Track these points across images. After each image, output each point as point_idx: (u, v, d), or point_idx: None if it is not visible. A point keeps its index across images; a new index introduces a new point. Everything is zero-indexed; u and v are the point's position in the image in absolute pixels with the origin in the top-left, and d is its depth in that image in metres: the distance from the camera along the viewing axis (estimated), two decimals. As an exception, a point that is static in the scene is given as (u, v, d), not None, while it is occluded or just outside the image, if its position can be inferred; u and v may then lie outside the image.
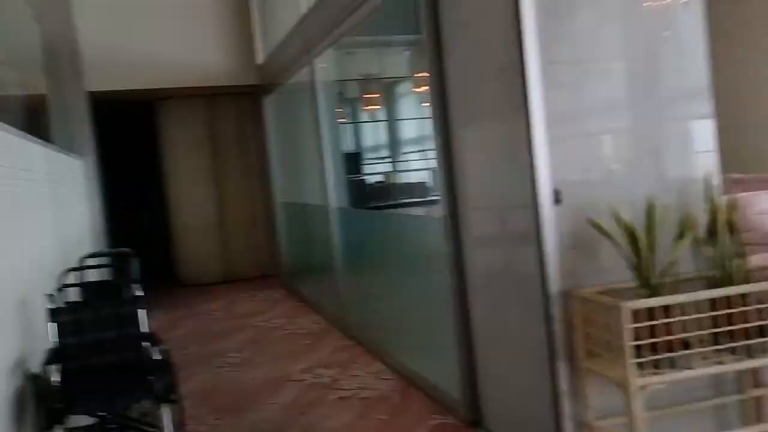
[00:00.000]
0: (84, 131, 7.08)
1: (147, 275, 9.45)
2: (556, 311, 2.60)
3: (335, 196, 5.89)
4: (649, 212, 2.52)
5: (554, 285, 2.60)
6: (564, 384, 2.57)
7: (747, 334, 2.39)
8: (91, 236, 6.63)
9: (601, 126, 2.73)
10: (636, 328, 2.28)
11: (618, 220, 2.50)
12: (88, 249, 5.73)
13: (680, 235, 2.51)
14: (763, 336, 2.39)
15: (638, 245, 2.45)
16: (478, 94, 3.02)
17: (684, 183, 2.75)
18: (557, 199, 2.61)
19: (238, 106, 8.99)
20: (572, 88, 2.66)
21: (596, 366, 2.46)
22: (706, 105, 2.76)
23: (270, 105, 8.29)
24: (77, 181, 6.14)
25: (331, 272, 5.87)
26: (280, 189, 8.27)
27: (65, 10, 6.97)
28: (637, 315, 2.30)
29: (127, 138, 9.97)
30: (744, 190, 6.79)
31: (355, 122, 10.08)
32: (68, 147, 6.27)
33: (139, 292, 3.08)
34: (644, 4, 2.76)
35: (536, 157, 2.58)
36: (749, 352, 2.38)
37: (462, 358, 3.32)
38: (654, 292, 2.43)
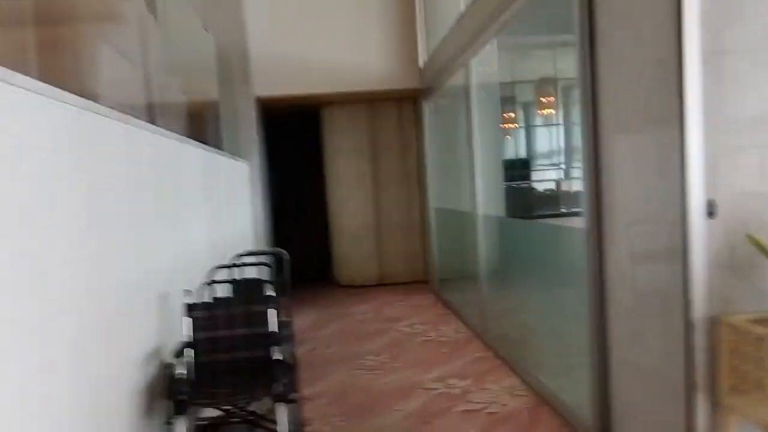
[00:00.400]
0: (251, 135, 7.63)
1: (306, 275, 9.94)
2: (700, 338, 2.33)
3: (485, 203, 5.79)
4: (820, 230, 2.18)
5: (700, 309, 2.34)
6: (702, 421, 2.30)
7: None
8: (254, 235, 7.14)
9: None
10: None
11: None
12: (249, 247, 6.17)
13: None
14: None
15: (802, 268, 2.13)
16: (630, 94, 2.79)
17: None
18: (710, 211, 2.34)
19: (399, 110, 9.18)
20: (744, 82, 2.37)
21: (741, 404, 2.16)
22: None
23: (429, 109, 8.38)
24: (240, 183, 6.63)
25: (476, 281, 5.79)
26: (435, 195, 8.32)
27: (239, 19, 7.57)
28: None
29: (295, 143, 10.61)
30: None
31: (525, 127, 9.83)
32: (235, 150, 6.80)
33: (271, 292, 3.21)
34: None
35: (687, 163, 2.34)
36: None
37: (596, 380, 3.10)
38: (820, 324, 2.10)
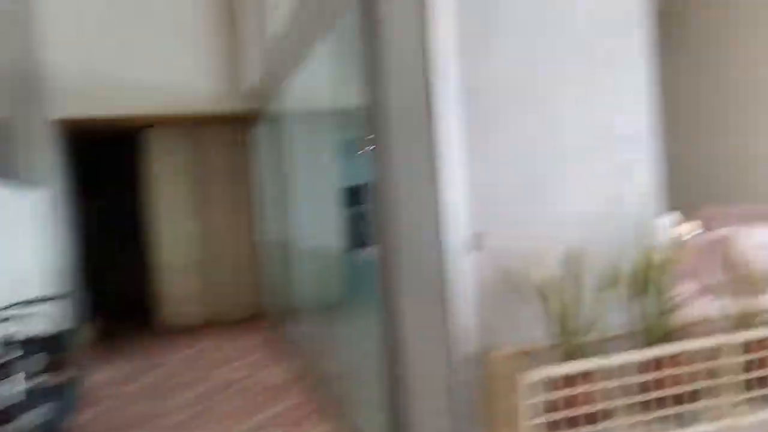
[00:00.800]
0: (47, 161, 7.13)
1: (123, 317, 9.42)
2: (466, 374, 2.40)
3: (316, 234, 5.78)
4: (572, 260, 2.32)
5: (465, 343, 2.40)
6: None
7: (679, 399, 2.19)
8: (47, 278, 6.63)
9: (531, 162, 2.51)
10: (540, 397, 2.07)
11: (534, 269, 2.31)
12: (40, 293, 5.71)
13: (606, 287, 2.30)
14: (696, 401, 2.18)
15: (554, 299, 2.24)
16: (407, 121, 2.84)
17: (626, 227, 2.55)
18: (477, 244, 2.42)
19: (232, 134, 9.02)
20: (498, 115, 2.48)
21: (502, 442, 2.23)
22: (650, 143, 2.63)
23: (260, 134, 8.27)
24: (28, 217, 6.16)
25: (303, 318, 5.74)
26: (267, 225, 8.21)
27: (25, 28, 7.09)
28: (546, 382, 2.09)
29: (114, 169, 10.10)
30: (724, 224, 6.52)
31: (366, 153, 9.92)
32: (25, 179, 6.31)
33: (16, 354, 2.93)
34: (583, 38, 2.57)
35: (445, 197, 2.41)
36: (681, 420, 2.18)
37: (394, 422, 3.11)
38: (572, 353, 2.22)
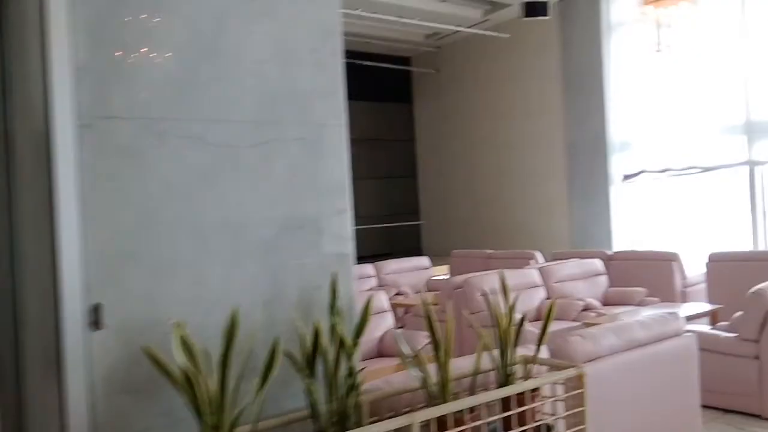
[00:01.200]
0: None
1: None
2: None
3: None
4: (229, 331, 1.87)
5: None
6: None
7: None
8: None
9: (171, 220, 2.05)
10: None
11: (175, 350, 1.82)
12: None
13: (271, 364, 1.89)
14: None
15: (199, 385, 1.78)
16: (30, 154, 2.23)
17: (307, 290, 2.20)
18: (95, 320, 1.88)
19: None
20: (130, 160, 1.98)
21: None
22: (343, 200, 2.39)
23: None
24: None
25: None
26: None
27: None
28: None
29: None
30: (468, 269, 6.63)
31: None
32: None
33: None
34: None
35: (62, 256, 1.85)
36: None
37: None
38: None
